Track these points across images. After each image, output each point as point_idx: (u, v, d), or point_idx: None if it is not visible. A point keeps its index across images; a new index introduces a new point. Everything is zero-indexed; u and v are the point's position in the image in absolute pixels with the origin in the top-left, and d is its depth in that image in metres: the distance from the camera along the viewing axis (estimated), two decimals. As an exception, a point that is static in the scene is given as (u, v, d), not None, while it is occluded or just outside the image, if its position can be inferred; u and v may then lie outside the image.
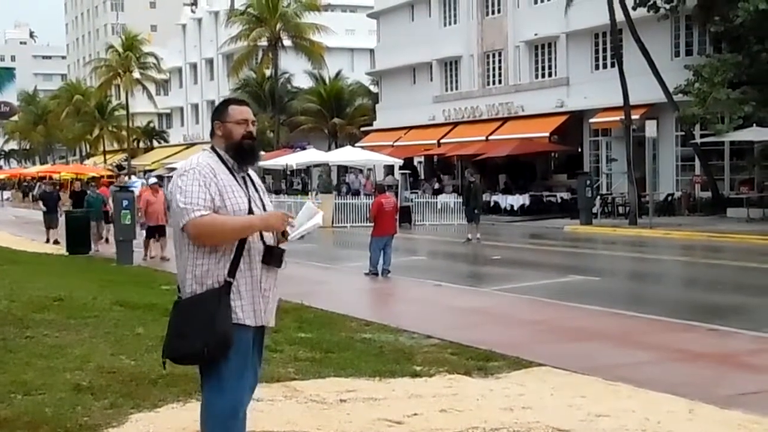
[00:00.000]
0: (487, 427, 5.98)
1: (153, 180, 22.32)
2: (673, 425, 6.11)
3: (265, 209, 4.30)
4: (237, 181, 4.20)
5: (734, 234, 23.84)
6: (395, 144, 45.52)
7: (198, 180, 4.07)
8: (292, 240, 4.26)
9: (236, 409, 4.20)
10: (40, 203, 25.62)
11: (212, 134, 4.30)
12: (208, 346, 3.98)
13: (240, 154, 4.24)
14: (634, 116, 30.20)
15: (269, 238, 4.22)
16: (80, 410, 6.15)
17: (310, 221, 4.25)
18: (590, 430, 5.98)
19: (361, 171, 44.60)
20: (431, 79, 45.93)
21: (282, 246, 4.25)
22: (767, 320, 10.98)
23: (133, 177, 49.24)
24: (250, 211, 4.15)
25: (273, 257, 4.19)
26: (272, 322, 4.31)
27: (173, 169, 50.53)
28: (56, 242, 24.78)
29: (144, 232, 20.75)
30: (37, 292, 12.15)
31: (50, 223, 26.18)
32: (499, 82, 41.90)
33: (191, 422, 5.93)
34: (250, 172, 4.38)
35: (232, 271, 4.09)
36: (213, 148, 4.26)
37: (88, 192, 25.54)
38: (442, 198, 36.06)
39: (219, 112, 4.32)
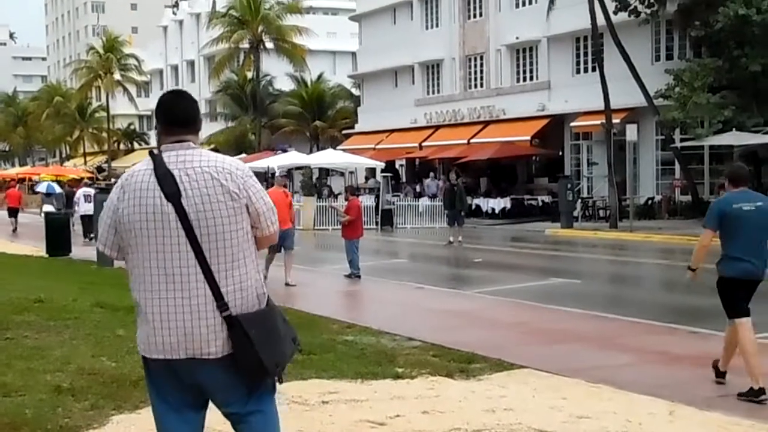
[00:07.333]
0: (469, 428, 5.99)
1: (279, 173, 16.92)
2: (654, 427, 6.14)
3: None
4: None
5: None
6: (377, 147, 45.49)
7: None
8: None
9: None
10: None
11: (196, 132, 3.75)
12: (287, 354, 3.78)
13: None
14: (615, 120, 30.31)
15: None
16: (61, 412, 6.12)
17: None
18: (572, 431, 5.99)
19: (433, 174, 42.94)
20: (413, 83, 45.95)
21: None
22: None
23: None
24: None
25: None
26: None
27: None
28: None
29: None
30: (16, 294, 12.04)
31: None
32: (481, 85, 41.99)
33: (173, 424, 5.90)
34: None
35: None
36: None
37: None
38: (424, 201, 36.09)
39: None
